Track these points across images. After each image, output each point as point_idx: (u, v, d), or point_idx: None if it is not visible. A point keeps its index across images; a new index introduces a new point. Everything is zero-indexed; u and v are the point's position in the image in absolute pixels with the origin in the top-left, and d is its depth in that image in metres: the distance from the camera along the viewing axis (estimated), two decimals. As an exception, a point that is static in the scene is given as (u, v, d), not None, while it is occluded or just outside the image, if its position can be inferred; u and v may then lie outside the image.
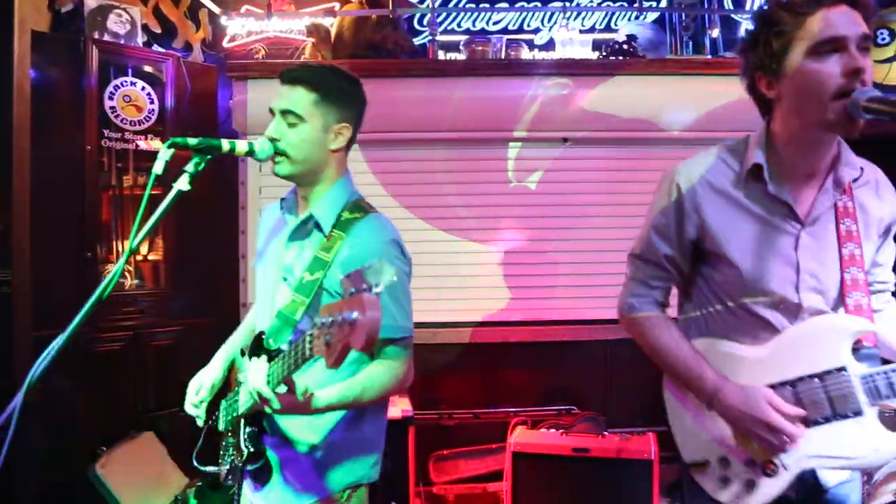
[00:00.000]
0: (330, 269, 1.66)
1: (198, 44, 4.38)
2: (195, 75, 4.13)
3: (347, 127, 1.77)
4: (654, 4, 4.39)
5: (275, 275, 1.80)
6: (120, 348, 3.77)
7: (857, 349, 1.49)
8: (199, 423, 1.88)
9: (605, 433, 3.18)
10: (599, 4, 4.38)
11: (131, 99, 3.89)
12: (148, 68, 4.03)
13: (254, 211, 4.03)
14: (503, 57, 4.16)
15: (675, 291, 1.76)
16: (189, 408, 1.87)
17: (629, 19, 4.38)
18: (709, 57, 4.20)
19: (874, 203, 1.60)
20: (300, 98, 1.70)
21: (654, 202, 1.69)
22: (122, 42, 3.94)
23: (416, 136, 4.08)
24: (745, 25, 4.32)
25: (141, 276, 4.11)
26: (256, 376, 1.51)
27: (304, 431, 1.72)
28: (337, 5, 4.25)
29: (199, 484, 3.49)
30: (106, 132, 3.82)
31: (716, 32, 4.27)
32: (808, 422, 1.48)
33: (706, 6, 4.39)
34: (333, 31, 4.18)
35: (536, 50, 4.37)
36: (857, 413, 1.44)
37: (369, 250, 1.66)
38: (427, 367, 4.16)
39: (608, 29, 4.41)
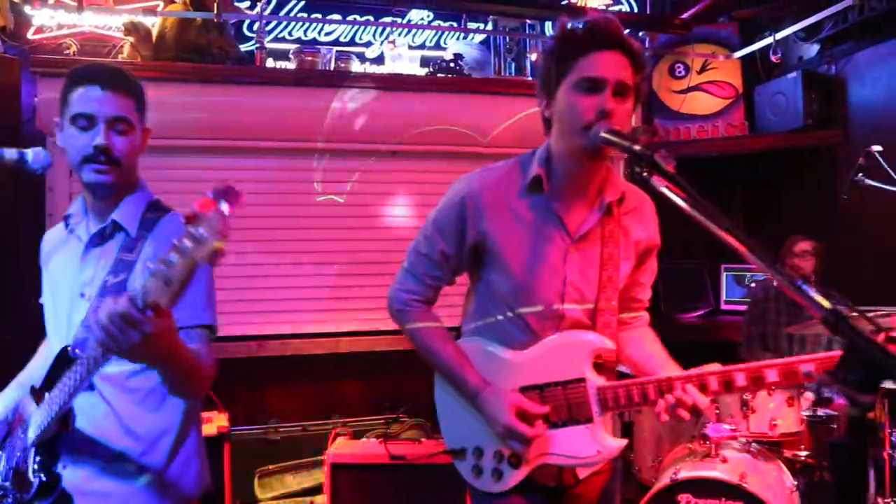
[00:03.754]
0: (135, 268, 1.59)
1: (-5, 32, 3.98)
2: (-9, 67, 3.75)
3: (150, 130, 1.75)
4: (481, 27, 4.59)
5: (67, 296, 1.67)
6: None
7: (598, 364, 1.64)
8: None
9: (423, 440, 3.25)
10: (429, 23, 4.50)
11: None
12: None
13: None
14: (332, 68, 4.16)
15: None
16: None
17: (457, 39, 4.53)
18: (529, 78, 4.46)
19: (636, 228, 1.74)
20: (127, 105, 1.64)
21: (441, 202, 1.75)
22: None
23: (240, 145, 4.00)
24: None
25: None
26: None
27: (125, 445, 1.59)
28: (160, 4, 4.05)
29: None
30: None
31: (535, 56, 4.53)
32: (549, 423, 1.61)
33: (528, 31, 4.65)
34: (155, 32, 3.97)
35: (367, 63, 4.40)
36: (589, 420, 1.60)
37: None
38: (254, 381, 4.06)
39: (437, 47, 4.54)
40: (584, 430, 1.60)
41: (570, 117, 1.54)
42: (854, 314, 1.26)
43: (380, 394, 4.25)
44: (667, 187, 1.23)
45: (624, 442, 1.63)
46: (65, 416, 1.51)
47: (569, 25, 1.58)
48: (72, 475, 1.56)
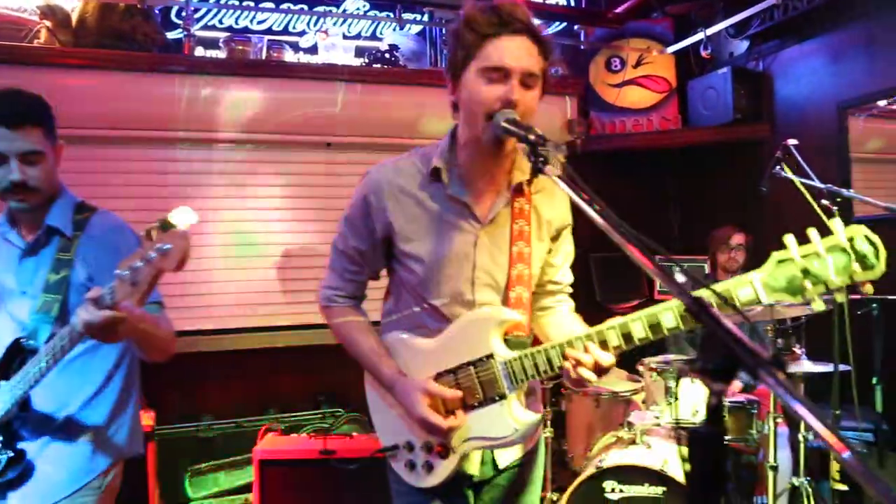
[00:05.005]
0: (75, 264, 1.80)
1: None
2: None
3: (63, 145, 1.87)
4: (417, 18, 4.56)
5: (7, 294, 1.85)
6: None
7: (508, 339, 1.62)
8: None
9: (355, 434, 3.22)
10: (364, 13, 4.45)
11: None
12: None
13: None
14: (264, 58, 4.07)
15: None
16: None
17: (393, 30, 4.49)
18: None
19: (547, 208, 1.73)
20: (35, 135, 1.75)
21: (351, 201, 1.72)
22: None
23: (167, 136, 3.90)
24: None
25: None
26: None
27: (70, 414, 1.82)
28: (81, -13, 3.90)
29: None
30: None
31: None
32: (466, 406, 1.59)
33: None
34: (75, 16, 3.82)
35: (301, 53, 4.33)
36: (502, 396, 1.57)
37: (109, 239, 1.83)
38: (188, 377, 3.96)
39: (373, 37, 4.50)
40: (499, 408, 1.57)
41: (474, 105, 1.53)
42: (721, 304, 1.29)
43: (317, 388, 4.20)
44: (558, 177, 1.22)
45: (538, 415, 1.61)
46: (25, 400, 1.75)
47: (474, 7, 1.55)
48: (29, 446, 1.79)
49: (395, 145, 4.09)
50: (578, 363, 1.48)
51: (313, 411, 4.08)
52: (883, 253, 1.25)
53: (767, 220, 4.12)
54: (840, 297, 1.40)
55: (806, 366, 3.00)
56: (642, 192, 5.04)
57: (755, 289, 1.34)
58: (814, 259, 1.27)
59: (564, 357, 1.51)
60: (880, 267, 1.25)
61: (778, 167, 2.97)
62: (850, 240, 1.25)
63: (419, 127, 4.10)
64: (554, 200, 1.75)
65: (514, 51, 1.50)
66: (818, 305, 1.32)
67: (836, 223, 1.27)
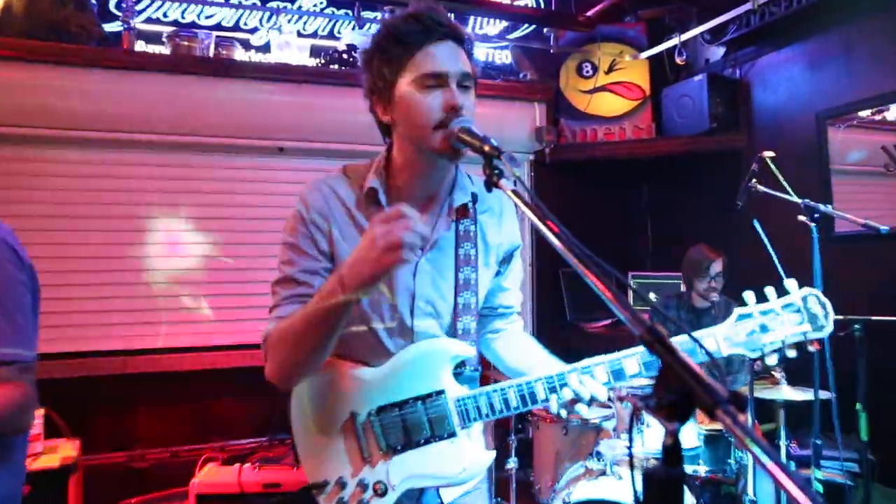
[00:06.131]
0: None
1: None
2: None
3: None
4: (377, 17, 4.53)
5: None
6: None
7: (459, 373, 1.61)
8: None
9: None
10: (321, 11, 4.40)
11: None
12: None
13: None
14: (212, 55, 4.00)
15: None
16: None
17: (352, 28, 4.45)
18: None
19: (494, 230, 1.72)
20: None
21: (289, 222, 1.67)
22: None
23: (102, 136, 3.80)
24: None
25: None
26: None
27: None
28: (9, -28, 3.78)
29: None
30: None
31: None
32: (411, 443, 1.56)
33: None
34: (0, 2, 3.70)
35: (252, 51, 4.26)
36: (451, 435, 1.55)
37: None
38: (119, 402, 3.85)
39: (330, 36, 4.45)
40: (448, 447, 1.56)
41: (418, 119, 1.49)
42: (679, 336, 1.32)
43: (264, 413, 4.11)
44: (513, 192, 1.19)
45: (491, 455, 1.60)
46: None
47: (391, 20, 1.54)
48: None
49: (353, 152, 4.10)
50: (576, 399, 1.49)
51: (259, 438, 3.98)
52: (832, 315, 1.44)
53: (744, 235, 4.16)
54: (791, 354, 1.51)
55: (785, 391, 3.01)
56: (614, 203, 5.07)
57: (717, 342, 1.49)
58: (771, 316, 1.46)
59: (542, 394, 1.51)
60: (829, 328, 1.43)
61: (753, 181, 2.99)
62: (804, 299, 1.44)
63: (379, 133, 4.07)
64: (502, 221, 1.74)
65: (445, 54, 1.49)
66: (771, 361, 1.50)
67: (791, 283, 1.47)
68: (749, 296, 1.47)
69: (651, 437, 3.09)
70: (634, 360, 1.50)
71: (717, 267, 3.81)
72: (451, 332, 1.65)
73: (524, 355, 1.78)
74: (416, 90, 1.49)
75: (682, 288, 4.05)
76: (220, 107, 3.92)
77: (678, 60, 4.46)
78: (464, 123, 1.43)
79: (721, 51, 4.71)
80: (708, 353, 1.00)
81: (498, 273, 1.77)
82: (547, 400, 1.52)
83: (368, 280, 1.35)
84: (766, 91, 4.43)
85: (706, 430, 3.23)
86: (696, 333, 1.45)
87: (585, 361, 1.53)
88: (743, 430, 0.72)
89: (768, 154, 2.97)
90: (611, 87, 4.88)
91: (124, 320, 3.86)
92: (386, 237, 1.31)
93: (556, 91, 4.86)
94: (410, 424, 1.56)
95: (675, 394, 0.79)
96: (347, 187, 1.64)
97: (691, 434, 3.15)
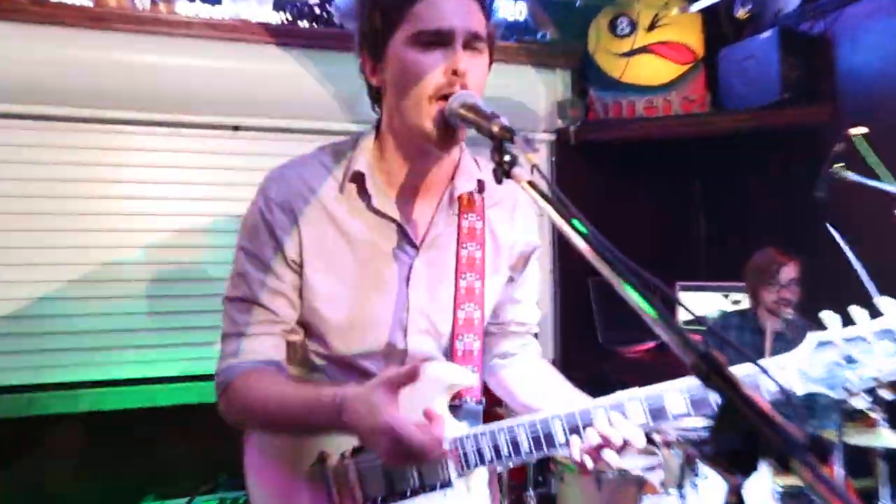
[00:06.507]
0: None
1: None
2: None
3: None
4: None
5: None
6: None
7: (457, 406, 1.60)
8: None
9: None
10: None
11: None
12: None
13: None
14: (147, 8, 4.01)
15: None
16: None
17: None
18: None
19: (505, 227, 1.73)
20: None
21: (245, 221, 1.66)
22: None
23: (6, 109, 3.81)
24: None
25: None
26: None
27: None
28: None
29: None
30: None
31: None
32: (394, 494, 1.55)
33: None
34: None
35: (198, 2, 4.26)
36: (445, 484, 1.55)
37: None
38: (27, 449, 3.89)
39: (299, -15, 4.47)
40: (441, 500, 1.55)
41: (415, 84, 1.50)
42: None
43: (212, 463, 4.10)
44: (529, 184, 1.19)
45: None
46: None
47: None
48: None
49: (325, 131, 4.11)
50: (604, 444, 1.46)
51: (208, 496, 3.98)
52: None
53: (827, 236, 4.15)
54: (888, 395, 1.48)
55: (886, 437, 2.95)
56: (657, 196, 5.08)
57: (790, 375, 1.42)
58: (860, 346, 1.38)
59: (557, 442, 1.49)
60: None
61: (837, 166, 2.99)
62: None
63: (359, 107, 4.06)
64: (516, 216, 1.75)
65: (453, 6, 1.50)
66: (859, 402, 1.50)
67: (884, 302, 1.38)
68: (829, 317, 1.40)
69: (708, 493, 3.08)
70: (679, 395, 1.48)
71: (789, 272, 3.79)
72: (449, 354, 1.66)
73: (541, 388, 1.79)
74: (412, 48, 1.50)
75: (747, 303, 4.05)
76: (157, 73, 3.93)
77: (740, 13, 4.47)
78: (465, 98, 1.43)
79: (795, 1, 4.69)
80: (780, 387, 0.97)
81: (510, 281, 1.78)
82: (567, 443, 1.51)
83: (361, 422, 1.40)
84: (856, 50, 4.41)
85: (782, 487, 3.21)
86: (763, 362, 1.43)
87: (616, 395, 1.51)
88: (829, 486, 0.71)
89: (858, 131, 2.97)
90: (653, 49, 4.87)
91: (28, 346, 3.85)
92: (399, 453, 1.36)
93: (583, 54, 4.87)
94: (395, 473, 1.55)
95: (737, 439, 0.79)
96: (323, 173, 1.64)
97: (762, 491, 3.14)
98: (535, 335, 1.90)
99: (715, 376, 0.83)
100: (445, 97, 1.47)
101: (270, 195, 1.62)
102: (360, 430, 1.41)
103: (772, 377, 1.42)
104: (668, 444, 3.34)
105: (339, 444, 1.58)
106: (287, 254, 1.61)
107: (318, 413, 1.47)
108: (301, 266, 1.62)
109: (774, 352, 1.67)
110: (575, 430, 1.50)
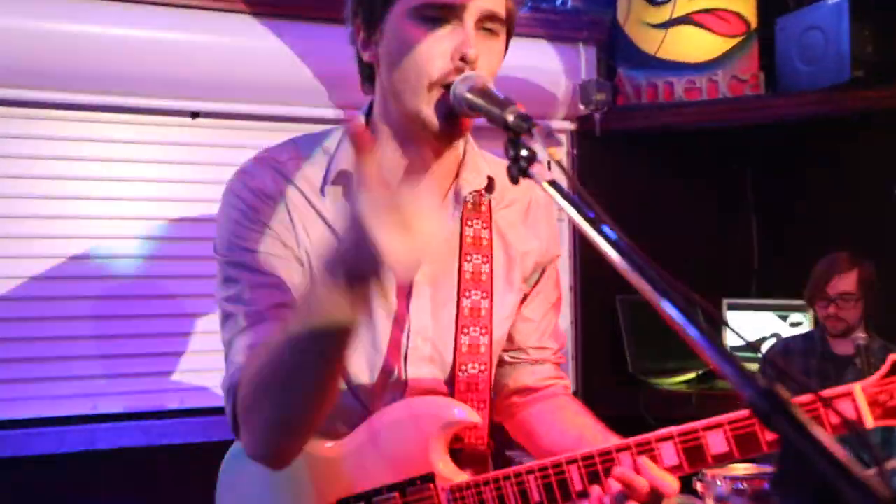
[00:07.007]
0: None
1: None
2: None
3: None
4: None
5: None
6: None
7: (458, 450, 1.63)
8: None
9: None
10: None
11: None
12: None
13: None
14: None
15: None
16: None
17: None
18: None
19: (519, 233, 1.75)
20: None
21: (222, 230, 1.65)
22: None
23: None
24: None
25: None
26: None
27: None
28: None
29: None
30: None
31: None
32: None
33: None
34: None
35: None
36: None
37: None
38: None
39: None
40: None
41: (411, 67, 1.52)
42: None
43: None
44: (552, 184, 1.20)
45: None
46: None
47: None
48: None
49: (300, 118, 4.10)
50: (628, 493, 1.44)
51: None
52: None
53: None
54: None
55: None
56: (700, 198, 5.08)
57: (857, 407, 1.38)
58: None
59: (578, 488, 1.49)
60: None
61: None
62: None
63: (341, 91, 4.07)
64: (530, 221, 1.79)
65: None
66: None
67: None
68: None
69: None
70: (721, 434, 1.46)
71: (842, 284, 3.76)
72: (450, 387, 1.68)
73: (571, 434, 1.77)
74: (414, 22, 1.52)
75: (810, 324, 4.04)
76: (102, 49, 3.93)
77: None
78: (475, 80, 1.44)
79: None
80: (852, 426, 0.96)
81: (526, 297, 1.79)
82: (585, 493, 1.51)
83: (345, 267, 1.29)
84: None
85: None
86: (829, 392, 1.43)
87: (645, 436, 1.51)
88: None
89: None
90: (696, 18, 4.87)
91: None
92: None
93: (611, 26, 4.88)
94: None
95: (806, 492, 0.79)
96: (301, 166, 1.65)
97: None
98: (561, 364, 1.90)
99: (778, 416, 0.83)
100: (448, 83, 1.48)
101: (251, 185, 1.63)
102: (334, 254, 1.34)
103: (840, 413, 1.40)
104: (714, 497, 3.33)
105: (320, 497, 1.61)
106: (288, 243, 1.63)
107: (302, 310, 1.42)
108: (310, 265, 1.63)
109: (844, 381, 1.65)
110: (594, 476, 1.50)
